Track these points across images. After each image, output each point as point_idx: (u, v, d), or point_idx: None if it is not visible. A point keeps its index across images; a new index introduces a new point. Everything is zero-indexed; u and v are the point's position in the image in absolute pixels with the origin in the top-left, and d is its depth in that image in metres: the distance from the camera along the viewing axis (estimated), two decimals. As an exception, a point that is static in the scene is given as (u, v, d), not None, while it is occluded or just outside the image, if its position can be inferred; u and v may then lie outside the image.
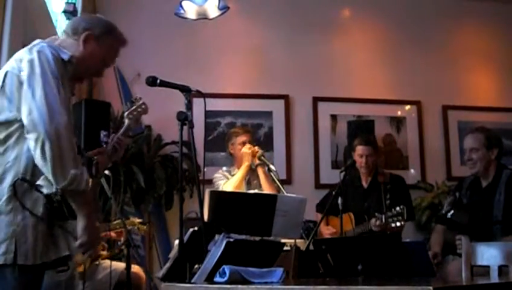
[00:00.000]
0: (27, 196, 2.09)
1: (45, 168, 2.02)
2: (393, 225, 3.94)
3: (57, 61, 2.17)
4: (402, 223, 3.92)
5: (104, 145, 2.79)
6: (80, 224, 2.13)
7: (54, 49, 2.21)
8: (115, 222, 3.90)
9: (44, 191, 2.06)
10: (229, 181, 4.19)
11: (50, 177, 2.03)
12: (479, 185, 3.87)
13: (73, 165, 2.03)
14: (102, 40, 2.37)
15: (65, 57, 2.24)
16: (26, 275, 2.08)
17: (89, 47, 2.34)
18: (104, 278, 3.60)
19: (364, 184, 4.52)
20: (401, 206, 3.93)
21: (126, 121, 2.99)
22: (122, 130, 2.94)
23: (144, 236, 4.81)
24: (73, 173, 2.01)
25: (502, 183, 3.75)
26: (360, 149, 4.48)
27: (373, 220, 4.08)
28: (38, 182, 2.07)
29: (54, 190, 2.05)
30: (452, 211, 3.82)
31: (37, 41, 2.28)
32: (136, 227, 4.06)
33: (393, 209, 3.96)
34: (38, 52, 2.15)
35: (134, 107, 3.01)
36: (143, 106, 3.05)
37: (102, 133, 2.82)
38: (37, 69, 2.10)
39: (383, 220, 3.99)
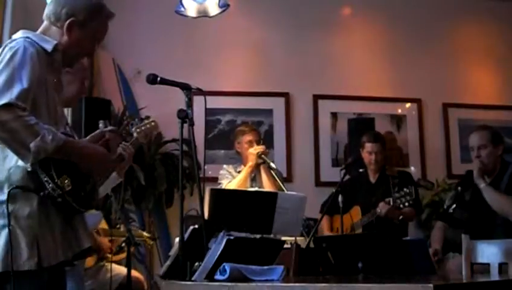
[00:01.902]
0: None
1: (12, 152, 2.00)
2: (401, 205, 3.93)
3: (37, 53, 2.09)
4: (411, 202, 3.91)
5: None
6: (84, 166, 2.15)
7: (33, 42, 2.12)
8: (120, 229, 3.93)
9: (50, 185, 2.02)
10: (232, 181, 4.19)
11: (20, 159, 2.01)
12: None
13: (32, 138, 1.95)
14: (87, 25, 2.25)
15: (48, 47, 2.16)
16: (52, 273, 2.09)
17: (74, 35, 2.23)
18: (108, 280, 3.62)
19: (372, 180, 4.52)
20: (410, 187, 3.93)
21: (134, 135, 3.01)
22: (130, 142, 2.96)
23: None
24: (33, 145, 1.95)
25: (506, 178, 3.74)
26: (369, 146, 4.48)
27: (381, 204, 4.05)
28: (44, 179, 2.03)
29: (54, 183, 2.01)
30: (454, 205, 3.80)
31: (18, 33, 2.20)
32: (144, 239, 4.08)
33: (400, 191, 3.95)
34: (10, 48, 2.08)
35: (143, 123, 3.05)
36: (152, 123, 3.08)
37: (101, 123, 2.78)
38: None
39: (391, 202, 3.98)
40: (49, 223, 2.05)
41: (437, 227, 4.04)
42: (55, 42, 2.19)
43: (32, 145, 1.94)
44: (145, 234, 4.24)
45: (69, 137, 2.14)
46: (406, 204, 3.93)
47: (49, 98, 2.14)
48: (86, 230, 2.20)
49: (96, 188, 2.34)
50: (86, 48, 2.32)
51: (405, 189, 3.94)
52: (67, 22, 2.21)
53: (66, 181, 2.04)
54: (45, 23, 2.27)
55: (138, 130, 3.04)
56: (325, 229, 4.49)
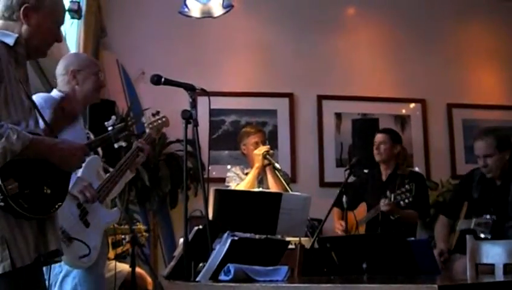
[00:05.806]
0: None
1: None
2: (402, 202, 3.93)
3: None
4: (411, 199, 3.90)
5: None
6: (56, 161, 2.08)
7: None
8: (120, 227, 3.93)
9: None
10: (240, 184, 4.18)
11: None
12: (493, 182, 3.81)
13: None
14: (42, 7, 2.16)
15: (10, 41, 2.10)
16: (27, 274, 2.04)
17: (33, 20, 2.14)
18: (111, 278, 3.63)
19: (384, 177, 4.49)
20: (410, 184, 3.92)
21: (147, 131, 3.19)
22: (143, 138, 3.14)
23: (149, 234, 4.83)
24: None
25: None
26: (375, 137, 4.47)
27: (382, 200, 4.05)
28: None
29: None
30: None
31: None
32: (141, 235, 4.08)
33: (402, 188, 3.95)
34: None
35: (155, 119, 3.22)
36: (163, 119, 3.24)
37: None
38: None
39: (392, 198, 3.97)
40: (18, 223, 1.99)
41: (441, 223, 4.00)
42: (16, 35, 2.11)
43: None
44: (142, 227, 4.22)
45: (36, 135, 2.05)
46: (406, 201, 3.92)
47: (14, 93, 2.06)
48: (54, 232, 2.15)
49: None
50: (50, 34, 2.22)
51: (406, 186, 3.94)
52: (22, 9, 2.13)
53: (12, 185, 1.94)
54: (0, 22, 2.17)
55: (151, 126, 3.19)
56: (335, 220, 4.48)
